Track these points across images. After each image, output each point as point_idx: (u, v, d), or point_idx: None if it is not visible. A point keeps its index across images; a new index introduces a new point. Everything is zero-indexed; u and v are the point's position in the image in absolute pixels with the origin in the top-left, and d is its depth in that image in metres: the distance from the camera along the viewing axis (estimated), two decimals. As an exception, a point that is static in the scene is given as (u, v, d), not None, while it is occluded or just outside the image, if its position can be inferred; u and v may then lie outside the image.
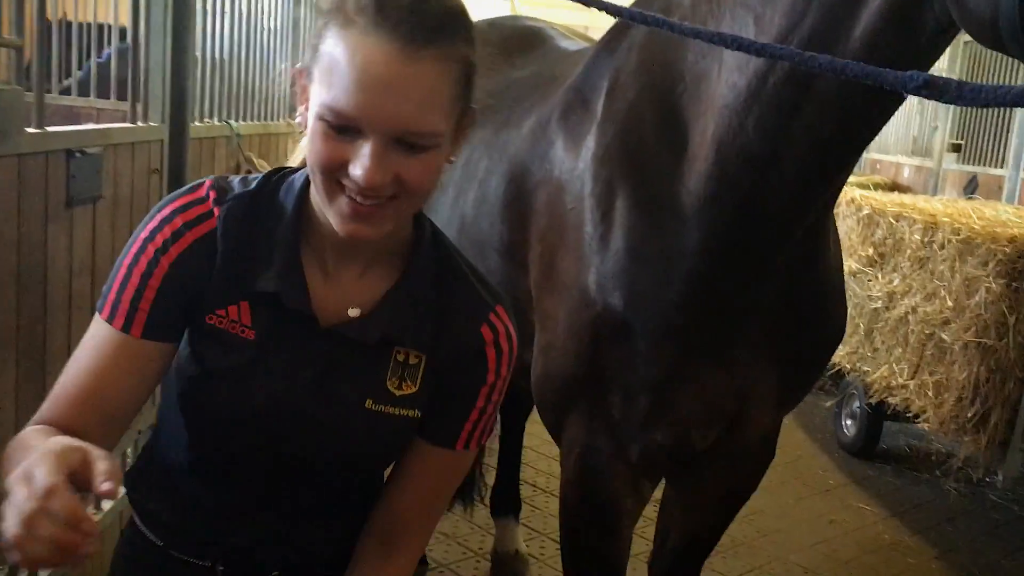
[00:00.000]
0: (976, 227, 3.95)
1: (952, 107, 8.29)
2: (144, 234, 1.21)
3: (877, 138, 1.54)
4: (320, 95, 1.08)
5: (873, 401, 4.72)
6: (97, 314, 1.21)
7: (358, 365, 1.25)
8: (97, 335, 1.21)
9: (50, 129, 2.17)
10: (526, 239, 1.95)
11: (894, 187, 7.83)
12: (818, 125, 1.42)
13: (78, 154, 2.28)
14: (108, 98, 3.23)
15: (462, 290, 1.29)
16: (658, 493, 2.08)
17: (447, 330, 1.27)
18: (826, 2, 1.39)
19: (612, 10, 1.31)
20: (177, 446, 1.29)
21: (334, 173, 1.10)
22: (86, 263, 2.38)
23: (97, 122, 3.03)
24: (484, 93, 2.56)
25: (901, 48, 1.32)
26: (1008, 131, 7.24)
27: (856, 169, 9.38)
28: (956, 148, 8.24)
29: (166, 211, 1.22)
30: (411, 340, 1.26)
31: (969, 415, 3.83)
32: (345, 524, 1.37)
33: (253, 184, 1.25)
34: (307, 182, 1.21)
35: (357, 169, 1.07)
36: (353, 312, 1.23)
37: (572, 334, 1.71)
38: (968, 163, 8.05)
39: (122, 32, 3.41)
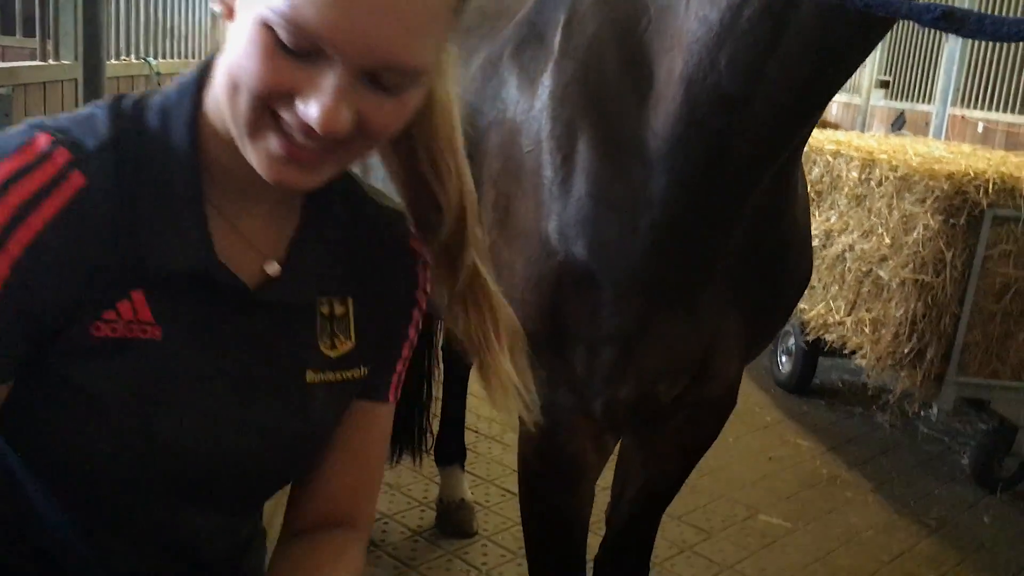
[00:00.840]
0: (913, 164, 3.95)
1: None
2: None
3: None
4: None
5: (810, 339, 4.77)
6: None
7: (285, 333, 0.98)
8: None
9: (-50, 68, 1.98)
10: (478, 183, 1.85)
11: (823, 124, 7.88)
12: (795, 62, 1.33)
13: (-17, 95, 2.09)
14: (13, 34, 3.00)
15: (373, 208, 1.05)
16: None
17: (372, 260, 1.05)
18: None
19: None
20: (25, 501, 0.96)
21: (271, 102, 0.82)
22: None
23: (3, 60, 2.81)
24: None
25: None
26: (935, 67, 7.31)
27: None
28: (884, 84, 8.33)
29: (30, 148, 0.84)
30: (335, 286, 1.02)
31: (906, 351, 3.87)
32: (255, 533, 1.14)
33: (104, 125, 0.89)
34: (194, 105, 0.91)
35: (313, 108, 0.79)
36: (271, 270, 0.96)
37: (532, 285, 1.63)
38: (895, 99, 8.14)
39: (25, -38, 3.16)
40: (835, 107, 8.94)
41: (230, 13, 0.84)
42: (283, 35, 0.78)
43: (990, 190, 3.69)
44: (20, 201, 0.81)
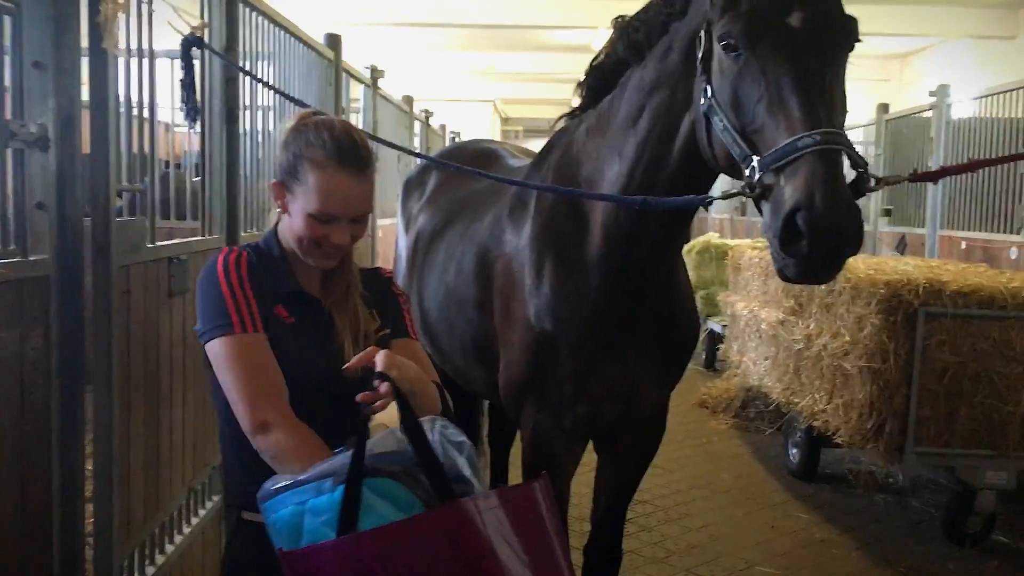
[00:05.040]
0: (861, 275, 4.92)
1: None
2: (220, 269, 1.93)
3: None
4: (310, 204, 1.88)
5: (803, 426, 5.63)
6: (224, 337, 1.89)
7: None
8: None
9: (159, 243, 3.13)
10: (490, 295, 2.92)
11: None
12: (659, 219, 2.40)
13: (176, 260, 3.24)
14: (184, 219, 4.25)
15: (365, 270, 2.15)
16: (591, 468, 2.99)
17: (371, 286, 2.10)
18: (654, 145, 2.35)
19: (509, 182, 2.32)
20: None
21: (318, 241, 1.92)
22: (180, 334, 3.32)
23: (180, 238, 4.00)
24: (455, 200, 3.57)
25: (694, 170, 2.28)
26: (925, 198, 8.31)
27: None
28: (887, 212, 9.31)
29: (222, 254, 1.97)
30: (364, 300, 2.07)
31: (868, 426, 4.73)
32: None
33: (249, 247, 2.02)
34: (276, 234, 2.02)
35: (337, 239, 1.92)
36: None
37: (523, 350, 2.67)
38: (898, 224, 9.10)
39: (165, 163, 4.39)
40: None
41: (285, 209, 1.97)
42: (320, 217, 1.91)
43: (920, 292, 4.63)
44: (235, 258, 1.96)
